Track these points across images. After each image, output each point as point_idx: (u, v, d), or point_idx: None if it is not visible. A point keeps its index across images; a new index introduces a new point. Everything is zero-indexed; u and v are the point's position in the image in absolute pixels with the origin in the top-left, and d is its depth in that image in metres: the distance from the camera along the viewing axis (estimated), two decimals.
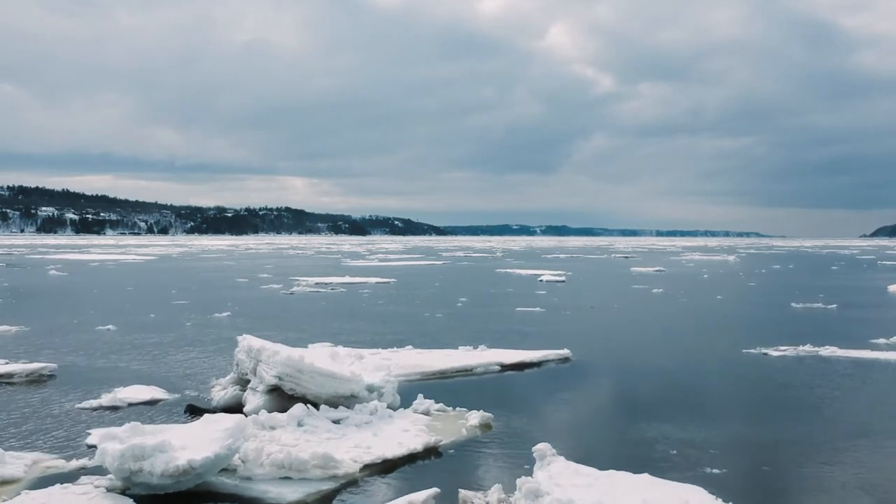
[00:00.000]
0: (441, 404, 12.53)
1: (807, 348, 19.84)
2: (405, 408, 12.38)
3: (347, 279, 48.03)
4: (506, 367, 17.18)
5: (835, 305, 32.18)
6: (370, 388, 11.96)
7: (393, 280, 48.37)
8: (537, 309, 30.06)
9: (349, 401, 11.66)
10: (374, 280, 47.54)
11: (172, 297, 35.10)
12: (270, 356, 11.65)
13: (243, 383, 12.58)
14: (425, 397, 12.69)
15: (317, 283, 44.09)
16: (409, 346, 19.08)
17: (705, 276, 58.09)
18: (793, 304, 32.74)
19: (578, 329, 24.90)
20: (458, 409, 12.58)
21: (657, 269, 65.66)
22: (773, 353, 19.44)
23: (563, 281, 48.73)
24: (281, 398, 11.60)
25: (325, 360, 12.26)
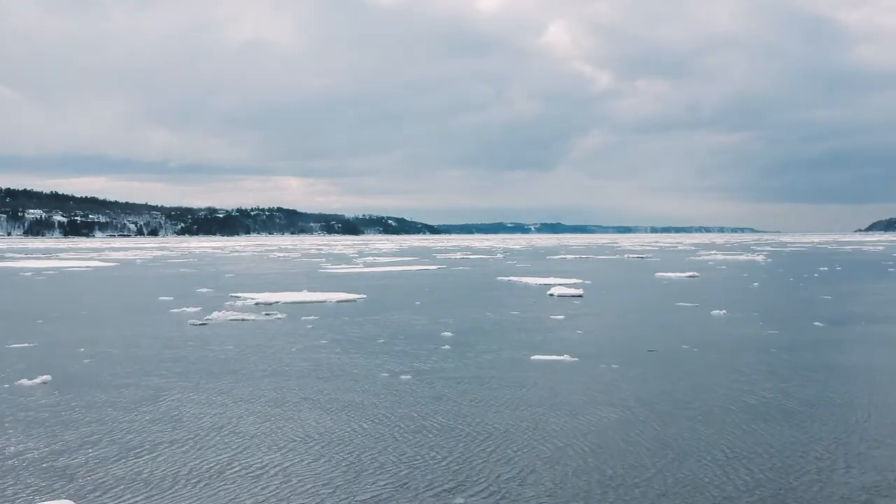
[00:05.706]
0: None
1: None
2: None
3: (304, 295, 36.98)
4: None
5: None
6: None
7: (363, 297, 37.35)
8: (564, 357, 18.93)
9: None
10: (336, 298, 36.46)
11: (25, 334, 24.10)
12: None
13: None
14: None
15: (256, 304, 33.08)
16: None
17: (755, 284, 46.94)
18: None
19: (642, 428, 13.15)
20: None
21: (689, 274, 54.56)
22: None
23: (580, 295, 37.75)
24: None
25: None
